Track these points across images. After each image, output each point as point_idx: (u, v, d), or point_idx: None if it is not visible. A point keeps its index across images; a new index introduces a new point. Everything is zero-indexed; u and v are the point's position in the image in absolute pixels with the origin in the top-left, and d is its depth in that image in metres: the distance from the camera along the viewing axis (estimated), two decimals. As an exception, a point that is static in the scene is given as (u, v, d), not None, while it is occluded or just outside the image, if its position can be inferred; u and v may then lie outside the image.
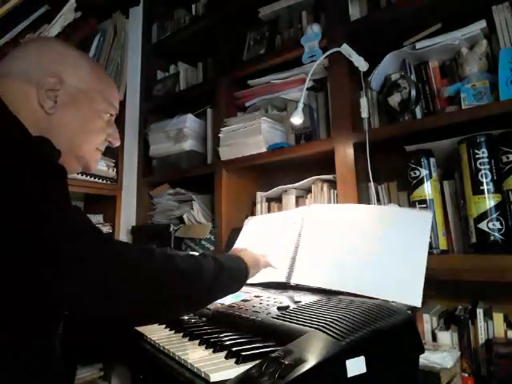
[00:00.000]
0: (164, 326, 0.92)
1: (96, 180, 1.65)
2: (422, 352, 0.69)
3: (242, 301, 0.97)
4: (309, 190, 1.38)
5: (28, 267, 0.55)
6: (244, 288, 1.10)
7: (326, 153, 1.27)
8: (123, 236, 1.77)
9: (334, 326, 0.63)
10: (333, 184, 1.30)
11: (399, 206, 1.19)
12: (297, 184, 1.41)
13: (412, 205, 1.12)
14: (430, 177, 1.10)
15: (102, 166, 1.66)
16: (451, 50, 1.15)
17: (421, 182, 1.10)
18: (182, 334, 0.84)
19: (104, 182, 1.69)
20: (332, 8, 1.33)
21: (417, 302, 0.78)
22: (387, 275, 0.86)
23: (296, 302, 0.86)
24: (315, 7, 1.47)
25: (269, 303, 0.90)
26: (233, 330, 0.81)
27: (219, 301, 0.97)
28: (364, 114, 1.23)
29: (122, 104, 1.70)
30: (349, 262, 0.94)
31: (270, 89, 1.51)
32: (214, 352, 0.70)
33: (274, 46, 1.54)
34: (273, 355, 0.56)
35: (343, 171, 1.21)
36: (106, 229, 1.71)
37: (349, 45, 1.24)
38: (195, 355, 0.69)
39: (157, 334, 0.86)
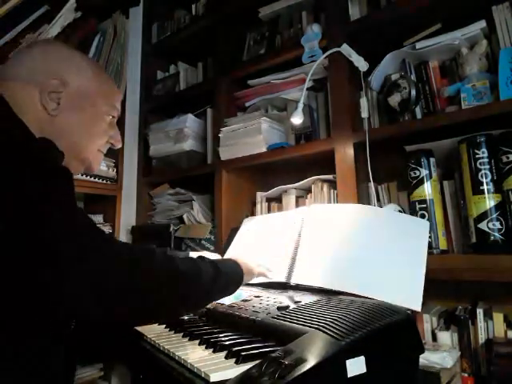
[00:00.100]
0: (164, 326, 0.92)
1: (96, 180, 1.65)
2: (422, 352, 0.69)
3: (242, 301, 0.97)
4: (309, 190, 1.38)
5: (28, 267, 0.55)
6: (244, 288, 1.10)
7: (325, 153, 1.27)
8: (123, 236, 1.77)
9: (334, 326, 0.63)
10: (333, 184, 1.30)
11: (399, 205, 1.19)
12: (297, 184, 1.41)
13: (412, 205, 1.12)
14: (430, 177, 1.10)
15: (102, 166, 1.66)
16: (451, 50, 1.15)
17: (421, 182, 1.10)
18: (182, 333, 0.84)
19: (104, 181, 1.69)
20: (332, 8, 1.33)
21: (417, 306, 0.78)
22: (387, 277, 0.86)
23: (296, 302, 0.86)
24: (315, 7, 1.47)
25: (269, 303, 0.90)
26: (233, 330, 0.81)
27: (219, 301, 0.97)
28: (364, 114, 1.23)
29: (122, 104, 1.70)
30: (348, 263, 0.94)
31: (269, 89, 1.51)
32: (213, 352, 0.70)
33: (273, 45, 1.54)
34: (273, 355, 0.56)
35: (343, 171, 1.21)
36: (105, 229, 1.71)
37: (349, 45, 1.24)
38: (195, 355, 0.69)
39: (157, 334, 0.86)
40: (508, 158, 0.97)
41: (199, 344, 0.76)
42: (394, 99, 1.18)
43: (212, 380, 0.58)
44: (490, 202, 0.98)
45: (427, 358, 0.87)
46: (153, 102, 1.95)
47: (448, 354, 0.90)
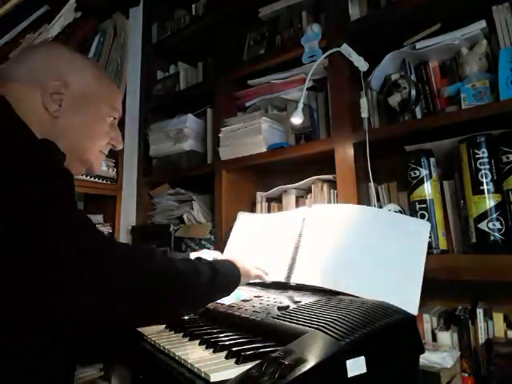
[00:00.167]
0: (164, 326, 0.92)
1: (96, 180, 1.65)
2: (422, 352, 0.69)
3: (242, 301, 0.97)
4: (309, 190, 1.38)
5: (28, 267, 0.56)
6: (244, 288, 1.10)
7: (325, 153, 1.27)
8: (123, 236, 1.77)
9: (334, 326, 0.63)
10: (333, 184, 1.30)
11: (399, 206, 1.18)
12: (297, 184, 1.41)
13: (412, 205, 1.12)
14: (430, 177, 1.10)
15: (102, 166, 1.67)
16: (451, 50, 1.15)
17: (421, 182, 1.10)
18: (182, 334, 0.84)
19: (104, 181, 1.69)
20: (332, 8, 1.33)
21: (413, 309, 0.78)
22: (385, 279, 0.86)
23: (296, 302, 0.86)
24: (315, 7, 1.47)
25: (269, 303, 0.90)
26: (233, 330, 0.81)
27: (219, 301, 0.97)
28: (364, 114, 1.23)
29: (122, 104, 1.70)
30: (347, 264, 0.94)
31: (269, 89, 1.51)
32: (214, 352, 0.70)
33: (274, 45, 1.54)
34: (273, 355, 0.56)
35: (343, 171, 1.21)
36: (105, 229, 1.71)
37: (349, 45, 1.24)
38: (195, 355, 0.69)
39: (157, 334, 0.86)
40: (508, 157, 0.97)
41: (199, 344, 0.76)
42: (394, 99, 1.18)
43: (212, 380, 0.58)
44: (489, 201, 0.98)
45: (427, 358, 0.87)
46: (153, 102, 1.94)
47: (448, 353, 0.90)
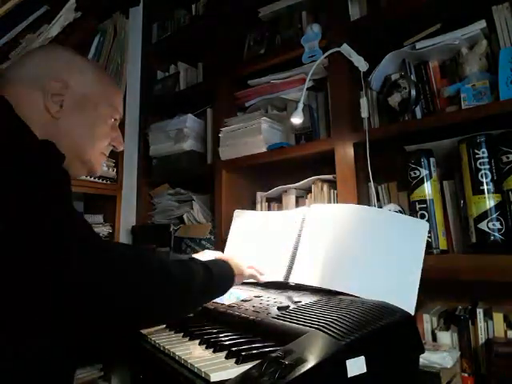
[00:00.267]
0: (164, 326, 0.92)
1: (96, 180, 1.65)
2: (422, 352, 0.69)
3: (242, 301, 0.97)
4: (309, 190, 1.38)
5: (28, 267, 0.56)
6: (244, 288, 1.10)
7: (325, 153, 1.27)
8: (123, 236, 1.77)
9: (334, 325, 0.63)
10: (333, 184, 1.30)
11: (399, 206, 1.19)
12: (297, 184, 1.41)
13: (412, 205, 1.12)
14: (430, 177, 1.10)
15: (102, 166, 1.66)
16: (451, 50, 1.15)
17: (421, 181, 1.10)
18: (182, 334, 0.84)
19: (104, 181, 1.69)
20: (332, 8, 1.33)
21: (410, 309, 0.78)
22: (383, 279, 0.86)
23: (296, 302, 0.86)
24: (315, 7, 1.47)
25: (269, 303, 0.90)
26: (233, 330, 0.81)
27: (219, 301, 0.97)
28: (364, 114, 1.23)
29: (122, 104, 1.70)
30: (346, 264, 0.94)
31: (269, 89, 1.51)
32: (214, 352, 0.70)
33: (273, 45, 1.54)
34: (273, 355, 0.56)
35: (343, 171, 1.21)
36: (105, 229, 1.70)
37: (349, 45, 1.24)
38: (195, 355, 0.69)
39: (157, 334, 0.86)
40: (508, 157, 0.97)
41: (199, 344, 0.76)
42: (394, 99, 1.18)
43: (212, 380, 0.58)
44: (489, 201, 0.98)
45: (427, 358, 0.87)
46: (153, 102, 1.95)
47: (448, 353, 0.90)
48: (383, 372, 0.61)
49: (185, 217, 1.68)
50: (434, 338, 1.04)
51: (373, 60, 1.26)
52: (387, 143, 1.22)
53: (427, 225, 0.90)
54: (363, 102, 1.24)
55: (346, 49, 1.24)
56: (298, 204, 1.42)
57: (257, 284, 1.11)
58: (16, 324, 0.60)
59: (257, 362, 0.57)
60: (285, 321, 0.74)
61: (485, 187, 0.99)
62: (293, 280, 1.04)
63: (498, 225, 0.97)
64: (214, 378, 0.59)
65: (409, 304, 0.79)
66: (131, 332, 0.87)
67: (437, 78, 1.17)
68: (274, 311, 0.81)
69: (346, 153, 1.21)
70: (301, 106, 1.26)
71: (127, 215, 1.81)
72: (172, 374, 0.68)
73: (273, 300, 0.92)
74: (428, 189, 1.09)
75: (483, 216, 0.99)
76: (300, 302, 0.86)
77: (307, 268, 1.02)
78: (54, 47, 0.89)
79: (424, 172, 1.10)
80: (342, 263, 0.95)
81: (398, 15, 1.19)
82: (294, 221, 1.15)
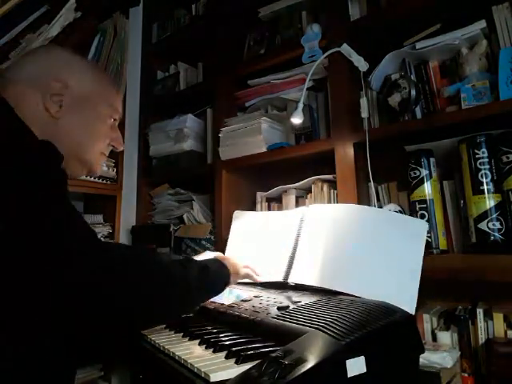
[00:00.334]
0: (164, 326, 0.92)
1: (96, 180, 1.65)
2: (422, 352, 0.69)
3: (242, 301, 0.97)
4: (309, 190, 1.38)
5: (28, 267, 0.56)
6: (244, 288, 1.10)
7: (325, 153, 1.27)
8: (123, 236, 1.77)
9: (334, 326, 0.63)
10: (333, 184, 1.30)
11: (399, 205, 1.19)
12: (297, 184, 1.41)
13: (412, 205, 1.12)
14: (430, 177, 1.10)
15: (102, 166, 1.66)
16: (451, 50, 1.15)
17: (421, 181, 1.10)
18: (182, 334, 0.84)
19: (104, 181, 1.69)
20: (332, 8, 1.33)
21: (410, 309, 0.78)
22: (382, 279, 0.86)
23: (296, 302, 0.86)
24: (315, 7, 1.47)
25: (269, 303, 0.90)
26: (233, 330, 0.81)
27: (219, 301, 0.97)
28: (364, 114, 1.23)
29: (122, 104, 1.70)
30: (345, 264, 0.94)
31: (269, 89, 1.50)
32: (214, 352, 0.70)
33: (273, 45, 1.54)
34: (273, 355, 0.56)
35: (343, 171, 1.21)
36: (105, 229, 1.71)
37: (349, 45, 1.24)
38: (195, 355, 0.69)
39: (157, 334, 0.86)
40: (508, 157, 0.97)
41: (199, 344, 0.76)
42: (394, 99, 1.18)
43: (212, 380, 0.58)
44: (489, 201, 0.98)
45: (427, 358, 0.87)
46: (153, 102, 1.94)
47: (448, 353, 0.89)
48: (383, 372, 0.61)
49: (185, 217, 1.68)
50: (434, 338, 1.04)
51: (373, 60, 1.26)
52: (387, 143, 1.22)
53: (426, 224, 0.90)
54: (363, 102, 1.24)
55: (346, 49, 1.24)
56: (298, 204, 1.42)
57: (257, 284, 1.11)
58: (16, 324, 0.60)
59: (257, 361, 0.57)
60: (285, 321, 0.74)
61: (485, 187, 0.99)
62: (292, 280, 1.04)
63: (498, 225, 0.97)
64: (213, 378, 0.59)
65: (409, 303, 0.79)
66: (130, 332, 0.87)
67: (437, 78, 1.17)
68: (274, 311, 0.81)
69: (346, 153, 1.21)
70: (301, 106, 1.26)
71: (127, 215, 1.81)
72: (172, 373, 0.68)
73: (273, 300, 0.92)
74: (428, 189, 1.09)
75: (483, 216, 0.99)
76: (300, 302, 0.86)
77: (307, 268, 1.02)
78: (54, 47, 0.89)
79: (424, 172, 1.10)
80: (342, 263, 0.95)
81: (398, 15, 1.19)
82: (293, 221, 1.15)
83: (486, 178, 0.99)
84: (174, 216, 1.74)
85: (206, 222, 1.63)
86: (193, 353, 0.71)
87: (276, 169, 1.57)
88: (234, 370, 0.60)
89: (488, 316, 0.99)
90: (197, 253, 1.53)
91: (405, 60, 1.23)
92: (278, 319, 0.76)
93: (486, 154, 1.00)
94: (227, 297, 1.00)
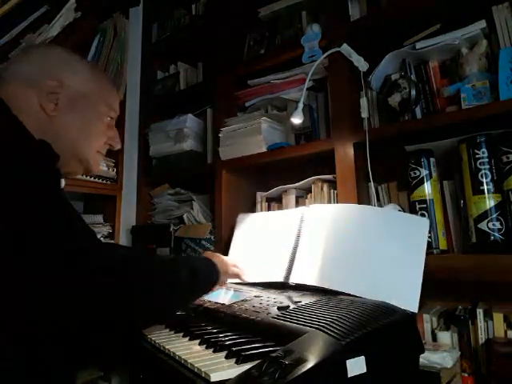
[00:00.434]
0: (164, 325, 0.92)
1: (96, 180, 1.65)
2: (422, 352, 0.69)
3: (242, 301, 0.97)
4: (309, 190, 1.38)
5: (28, 267, 0.56)
6: (244, 288, 1.10)
7: (325, 153, 1.27)
8: (123, 236, 1.77)
9: (334, 326, 0.63)
10: (333, 184, 1.30)
11: (399, 205, 1.19)
12: (297, 184, 1.41)
13: (412, 205, 1.12)
14: (430, 177, 1.10)
15: (102, 166, 1.66)
16: (451, 50, 1.15)
17: (421, 181, 1.10)
18: (182, 333, 0.84)
19: (104, 181, 1.69)
20: (332, 8, 1.33)
21: (413, 307, 0.78)
22: (385, 278, 0.86)
23: (296, 302, 0.86)
24: (315, 7, 1.47)
25: (269, 303, 0.90)
26: (233, 330, 0.81)
27: (219, 300, 0.97)
28: (364, 114, 1.23)
29: (122, 104, 1.70)
30: (347, 263, 0.94)
31: (270, 89, 1.50)
32: (214, 352, 0.70)
33: (273, 45, 1.54)
34: (273, 355, 0.56)
35: (343, 171, 1.21)
36: (105, 229, 1.70)
37: (349, 45, 1.24)
38: (195, 355, 0.69)
39: (157, 333, 0.86)
40: (508, 157, 0.97)
41: (199, 344, 0.76)
42: (394, 99, 1.18)
43: (212, 380, 0.58)
44: (489, 201, 0.98)
45: (427, 358, 0.87)
46: (153, 102, 1.94)
47: (448, 353, 0.89)
48: (383, 372, 0.61)
49: (185, 217, 1.68)
50: (434, 338, 1.04)
51: (373, 60, 1.26)
52: (387, 143, 1.22)
53: (428, 222, 0.90)
54: (363, 102, 1.24)
55: (346, 49, 1.24)
56: (298, 204, 1.42)
57: (257, 284, 1.11)
58: (16, 324, 0.60)
59: (257, 362, 0.57)
60: (285, 321, 0.74)
61: (485, 187, 0.99)
62: (293, 280, 1.04)
63: (498, 225, 0.97)
64: (214, 377, 0.59)
65: (412, 302, 0.79)
66: (130, 332, 0.87)
67: (437, 78, 1.17)
68: (274, 311, 0.81)
69: (345, 153, 1.21)
70: (301, 106, 1.26)
71: (127, 215, 1.81)
72: (172, 373, 0.68)
73: (273, 300, 0.92)
74: (428, 189, 1.09)
75: (483, 216, 0.99)
76: (300, 302, 0.86)
77: (307, 268, 1.02)
78: (50, 46, 0.89)
79: (424, 172, 1.10)
80: (342, 263, 0.95)
81: (398, 15, 1.19)
82: (294, 221, 1.15)
83: (486, 178, 0.99)
84: (173, 216, 1.74)
85: (206, 222, 1.63)
86: (193, 353, 0.71)
87: (276, 169, 1.57)
88: (234, 370, 0.60)
89: (488, 316, 0.99)
90: (197, 253, 1.54)
91: (405, 60, 1.23)
92: (278, 319, 0.76)
93: (486, 154, 1.00)
94: (227, 297, 1.00)
